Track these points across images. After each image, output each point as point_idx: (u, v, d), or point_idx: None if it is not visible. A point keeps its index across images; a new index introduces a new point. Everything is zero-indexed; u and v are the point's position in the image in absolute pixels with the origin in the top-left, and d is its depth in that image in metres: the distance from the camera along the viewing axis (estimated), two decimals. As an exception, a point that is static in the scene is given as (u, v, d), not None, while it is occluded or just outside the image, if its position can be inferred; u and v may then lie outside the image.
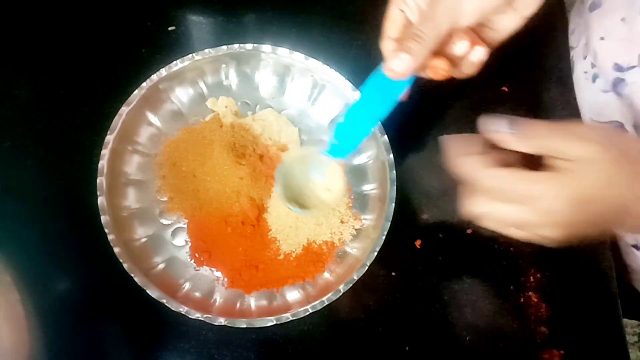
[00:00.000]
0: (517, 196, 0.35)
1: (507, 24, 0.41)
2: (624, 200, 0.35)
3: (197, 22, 0.62)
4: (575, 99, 0.61)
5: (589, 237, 0.37)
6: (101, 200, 0.48)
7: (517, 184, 0.35)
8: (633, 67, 0.50)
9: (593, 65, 0.57)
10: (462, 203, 0.38)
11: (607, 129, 0.39)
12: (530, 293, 0.54)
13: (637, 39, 0.50)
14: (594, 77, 0.57)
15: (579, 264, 0.55)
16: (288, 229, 0.51)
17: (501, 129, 0.36)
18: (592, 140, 0.35)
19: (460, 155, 0.37)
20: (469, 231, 0.55)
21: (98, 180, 0.49)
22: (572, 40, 0.62)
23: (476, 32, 0.41)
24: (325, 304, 0.47)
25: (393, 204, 0.50)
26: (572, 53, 0.62)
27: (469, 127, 0.59)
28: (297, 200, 0.47)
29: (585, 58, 0.58)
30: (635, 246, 0.59)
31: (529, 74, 0.62)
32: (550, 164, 0.36)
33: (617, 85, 0.52)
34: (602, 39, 0.54)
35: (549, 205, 0.35)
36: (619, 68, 0.51)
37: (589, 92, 0.58)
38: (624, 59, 0.51)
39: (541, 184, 0.35)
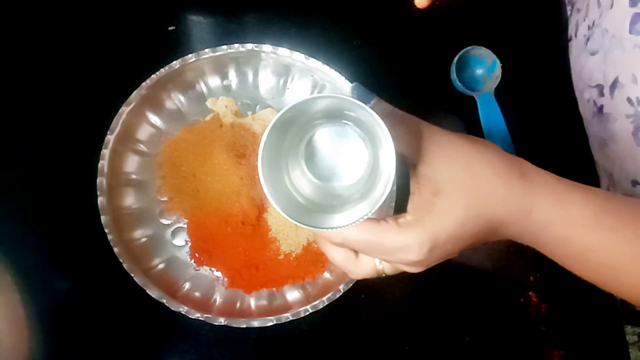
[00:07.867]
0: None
1: None
2: (498, 219, 0.34)
3: (197, 22, 0.62)
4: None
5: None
6: (101, 200, 0.48)
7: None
8: None
9: (589, 28, 0.56)
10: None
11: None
12: (530, 293, 0.54)
13: None
14: (587, 39, 0.57)
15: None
16: (288, 229, 0.51)
17: None
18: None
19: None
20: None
21: (98, 180, 0.49)
22: (579, 3, 0.61)
23: None
24: (325, 304, 0.47)
25: (393, 204, 0.50)
26: (576, 17, 0.61)
27: (467, 125, 0.59)
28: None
29: (585, 20, 0.58)
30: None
31: (526, 69, 0.62)
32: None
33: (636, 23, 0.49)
34: None
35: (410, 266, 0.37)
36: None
37: (583, 57, 0.58)
38: None
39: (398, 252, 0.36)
